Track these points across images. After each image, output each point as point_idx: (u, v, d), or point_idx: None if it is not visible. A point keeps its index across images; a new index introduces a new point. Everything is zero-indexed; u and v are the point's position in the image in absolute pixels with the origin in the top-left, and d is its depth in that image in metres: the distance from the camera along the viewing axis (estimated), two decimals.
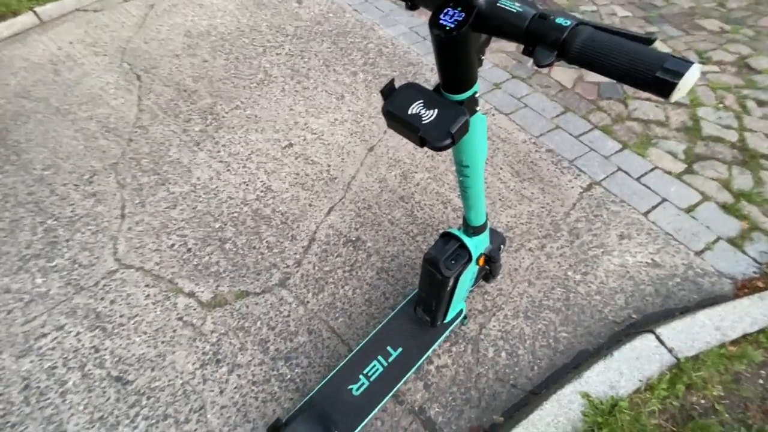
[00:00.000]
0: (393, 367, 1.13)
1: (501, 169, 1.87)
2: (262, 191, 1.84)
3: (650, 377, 1.16)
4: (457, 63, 0.58)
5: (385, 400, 1.12)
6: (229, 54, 2.60)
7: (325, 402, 1.08)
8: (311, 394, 1.12)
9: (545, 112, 2.15)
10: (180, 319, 1.45)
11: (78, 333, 1.43)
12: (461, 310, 1.25)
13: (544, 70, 2.41)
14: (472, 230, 0.98)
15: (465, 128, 0.58)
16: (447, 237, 0.99)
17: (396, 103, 0.61)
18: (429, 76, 2.36)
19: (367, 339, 1.20)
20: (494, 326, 1.38)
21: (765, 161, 1.90)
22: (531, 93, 2.26)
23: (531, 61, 0.47)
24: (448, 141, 0.56)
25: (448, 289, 1.01)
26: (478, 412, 1.21)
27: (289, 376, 1.31)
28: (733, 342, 1.24)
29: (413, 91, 0.62)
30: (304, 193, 1.83)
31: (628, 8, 2.96)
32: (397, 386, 1.14)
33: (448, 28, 0.50)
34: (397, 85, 0.63)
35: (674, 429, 1.08)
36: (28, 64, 2.61)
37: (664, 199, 1.75)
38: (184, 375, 1.33)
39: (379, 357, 1.14)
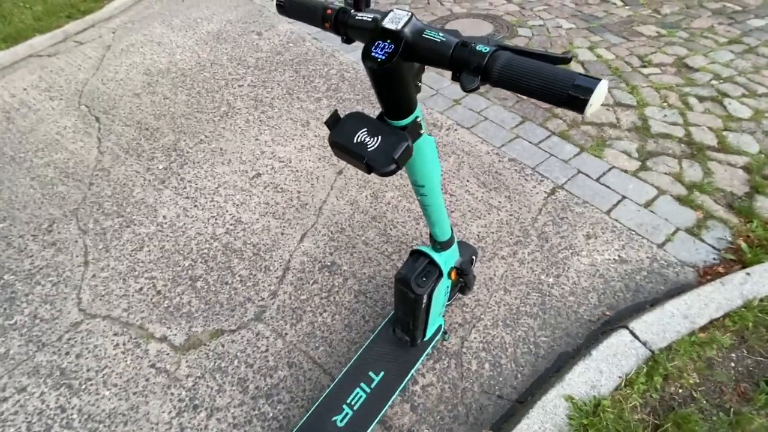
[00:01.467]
0: (376, 393, 1.11)
1: (468, 181, 1.91)
2: (231, 224, 1.81)
3: (629, 372, 1.18)
4: (393, 91, 0.60)
5: (372, 427, 1.09)
6: (190, 89, 2.59)
7: None
8: (294, 430, 1.08)
9: (504, 123, 2.23)
10: (152, 366, 1.39)
11: (42, 393, 1.34)
12: (440, 326, 1.25)
13: None
14: (440, 245, 0.99)
15: (408, 153, 0.60)
16: (416, 255, 1.00)
17: (341, 133, 0.62)
18: None
19: (347, 367, 1.18)
20: (475, 338, 1.38)
21: (711, 152, 2.02)
22: (489, 106, 2.34)
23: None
24: (393, 167, 0.58)
25: (423, 306, 1.01)
26: (466, 428, 1.20)
27: (271, 414, 1.26)
28: (702, 329, 1.28)
29: (357, 120, 0.64)
30: (275, 222, 1.81)
31: (572, 21, 3.15)
32: (383, 411, 1.12)
33: (379, 60, 0.52)
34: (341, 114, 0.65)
35: (656, 422, 1.10)
36: None
37: (624, 197, 1.82)
38: (159, 426, 1.26)
39: (362, 384, 1.12)
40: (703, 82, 2.47)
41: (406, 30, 0.53)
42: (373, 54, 0.53)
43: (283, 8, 0.70)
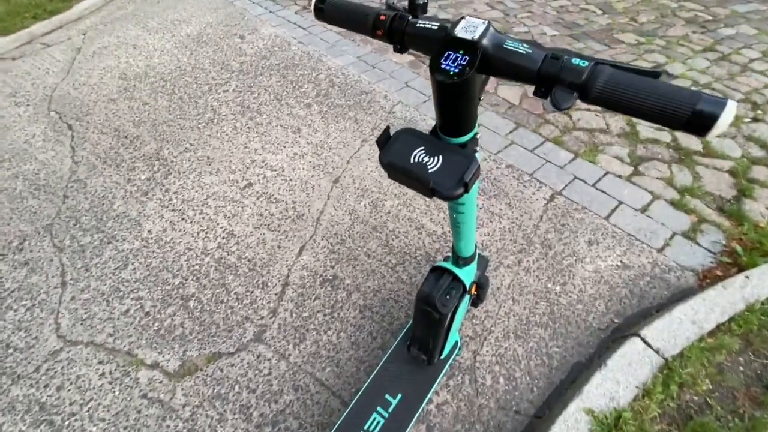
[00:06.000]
0: (395, 417, 1.05)
1: None
2: (223, 238, 1.71)
3: (645, 382, 1.18)
4: (459, 106, 0.55)
5: None
6: (171, 95, 2.47)
7: None
8: None
9: (499, 130, 2.23)
10: (144, 396, 1.28)
11: None
12: (456, 342, 1.21)
13: (490, 89, 2.51)
14: (463, 261, 0.95)
15: (477, 174, 0.55)
16: (438, 271, 0.95)
17: (395, 153, 0.57)
18: (383, 103, 2.37)
19: (362, 390, 1.12)
20: (487, 351, 1.34)
21: (698, 157, 2.08)
22: (482, 112, 2.34)
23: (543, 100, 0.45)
24: (461, 190, 0.53)
25: (446, 325, 0.97)
26: None
27: None
28: (710, 333, 1.30)
29: (411, 137, 0.58)
30: (270, 234, 1.72)
31: (555, 27, 3.21)
32: None
33: (452, 72, 0.47)
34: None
35: None
36: None
37: (620, 202, 1.84)
38: None
39: (379, 408, 1.06)
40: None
41: (485, 41, 0.48)
42: (443, 66, 0.48)
43: (324, 13, 0.64)
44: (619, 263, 1.60)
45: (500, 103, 2.42)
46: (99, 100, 2.44)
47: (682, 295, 1.48)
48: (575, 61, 0.43)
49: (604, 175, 1.97)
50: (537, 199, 1.85)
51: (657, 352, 1.24)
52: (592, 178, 1.96)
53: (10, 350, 1.38)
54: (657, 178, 1.97)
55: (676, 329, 1.29)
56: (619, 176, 1.97)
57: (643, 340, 1.27)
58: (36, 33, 3.00)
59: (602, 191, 1.90)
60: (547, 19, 3.32)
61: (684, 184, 1.93)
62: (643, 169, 2.02)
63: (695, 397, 1.17)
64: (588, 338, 1.38)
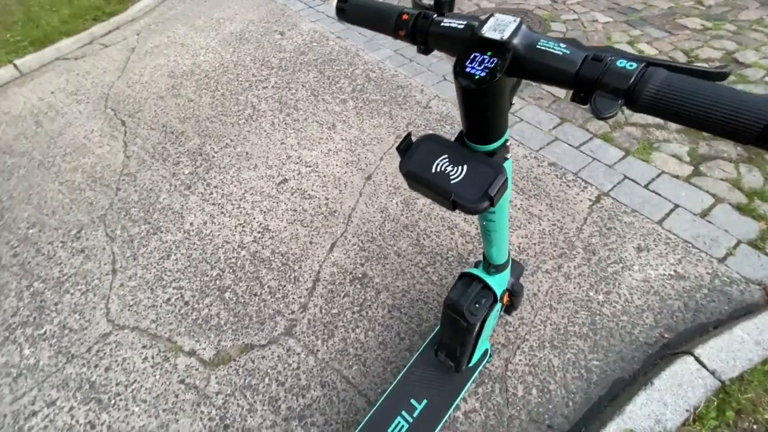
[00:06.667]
0: (419, 423, 1.03)
1: None
2: (259, 232, 1.76)
3: (697, 405, 1.07)
4: (487, 112, 0.51)
5: None
6: (214, 91, 2.56)
7: None
8: None
9: (542, 125, 2.11)
10: (182, 381, 1.34)
11: (71, 408, 1.32)
12: (486, 350, 1.16)
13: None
14: (494, 268, 0.90)
15: (505, 187, 0.51)
16: (467, 278, 0.91)
17: (416, 161, 0.53)
18: (419, 98, 2.32)
19: (386, 393, 1.10)
20: (520, 360, 1.28)
21: None
22: (525, 106, 2.22)
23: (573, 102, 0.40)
24: (486, 204, 0.49)
25: (474, 334, 0.93)
26: None
27: None
28: None
29: (434, 144, 0.54)
30: (303, 230, 1.75)
31: (608, 14, 2.98)
32: None
33: (478, 77, 0.43)
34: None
35: None
36: (9, 117, 2.55)
37: (677, 205, 1.69)
38: None
39: (403, 412, 1.04)
40: (756, 78, 2.29)
41: (515, 41, 0.44)
42: (468, 69, 0.44)
43: (345, 13, 0.61)
44: (672, 273, 1.47)
45: (544, 96, 2.29)
46: (149, 97, 2.58)
47: (746, 311, 1.33)
48: (621, 63, 0.38)
49: (659, 175, 1.82)
50: (581, 200, 1.73)
51: (713, 373, 1.13)
52: (645, 179, 1.81)
53: (66, 331, 1.50)
54: (721, 179, 1.78)
55: (736, 349, 1.17)
56: (677, 177, 1.81)
57: (697, 359, 1.15)
58: (96, 34, 3.22)
59: (656, 193, 1.74)
60: (599, 5, 3.10)
61: (753, 187, 1.74)
62: (704, 169, 1.83)
63: (755, 426, 1.05)
64: (633, 353, 1.28)
